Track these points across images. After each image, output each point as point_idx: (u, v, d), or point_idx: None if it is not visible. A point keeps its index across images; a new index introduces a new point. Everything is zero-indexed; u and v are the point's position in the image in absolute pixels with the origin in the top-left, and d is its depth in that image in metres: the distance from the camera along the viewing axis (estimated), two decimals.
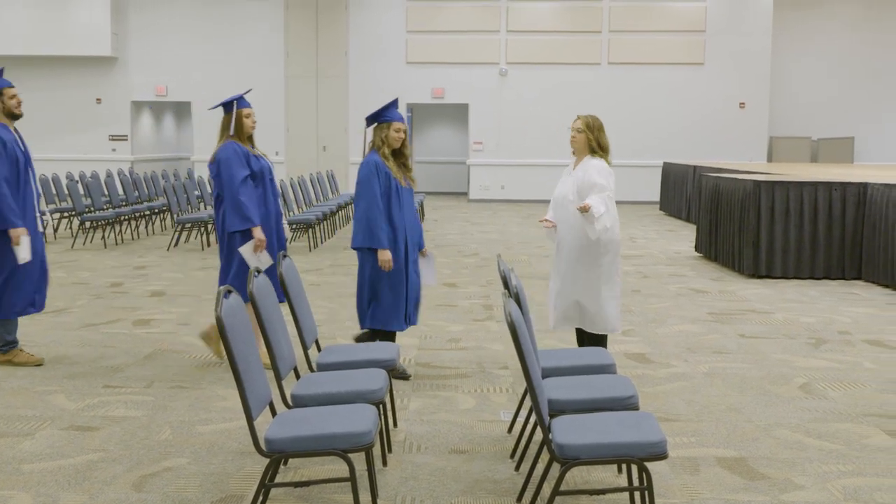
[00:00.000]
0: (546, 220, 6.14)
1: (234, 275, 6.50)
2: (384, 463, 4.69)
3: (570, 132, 6.09)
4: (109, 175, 17.61)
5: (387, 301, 6.22)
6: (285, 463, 4.62)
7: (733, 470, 4.67)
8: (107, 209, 15.18)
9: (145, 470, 4.63)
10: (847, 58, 23.90)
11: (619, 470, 4.58)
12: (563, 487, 3.95)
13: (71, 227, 15.39)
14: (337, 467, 4.56)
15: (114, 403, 5.77)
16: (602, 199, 5.81)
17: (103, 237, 14.14)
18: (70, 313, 8.66)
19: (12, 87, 6.62)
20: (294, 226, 13.81)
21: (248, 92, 6.81)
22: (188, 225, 14.03)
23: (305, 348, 4.85)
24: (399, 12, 23.33)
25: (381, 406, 4.40)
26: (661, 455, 3.63)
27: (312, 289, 9.89)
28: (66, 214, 15.33)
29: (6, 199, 6.44)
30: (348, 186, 22.87)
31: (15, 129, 6.64)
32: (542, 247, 13.85)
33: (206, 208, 16.00)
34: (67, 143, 23.77)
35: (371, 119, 6.36)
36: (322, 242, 14.41)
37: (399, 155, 6.33)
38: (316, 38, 23.40)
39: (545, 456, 4.24)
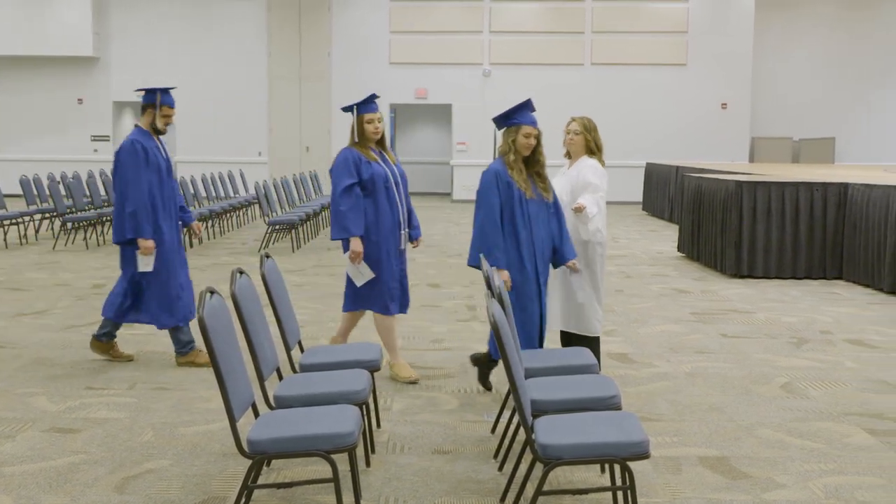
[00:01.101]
0: None
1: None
2: (367, 464, 4.69)
3: (564, 134, 6.10)
4: (91, 176, 17.50)
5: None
6: (268, 464, 4.61)
7: (715, 469, 4.68)
8: (88, 210, 15.10)
9: (127, 472, 4.61)
10: (828, 59, 24.04)
11: (602, 470, 4.59)
12: (546, 487, 3.95)
13: (52, 229, 15.31)
14: (320, 468, 4.55)
15: (96, 405, 5.75)
16: (595, 199, 5.88)
17: (85, 238, 14.07)
18: (52, 315, 8.61)
19: (171, 106, 6.76)
20: (277, 226, 13.78)
21: (373, 98, 6.29)
22: None
23: (288, 349, 4.84)
24: (382, 13, 23.32)
25: (364, 407, 4.40)
26: (643, 455, 3.64)
27: (296, 289, 9.87)
28: (47, 215, 15.24)
29: (146, 210, 6.48)
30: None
31: (157, 137, 6.75)
32: None
33: (189, 209, 15.92)
34: (49, 144, 23.65)
35: (499, 121, 5.66)
36: (305, 243, 14.38)
37: (532, 163, 5.62)
38: (299, 39, 23.35)
39: (528, 456, 4.24)
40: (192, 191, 16.42)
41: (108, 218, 14.56)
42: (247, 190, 19.86)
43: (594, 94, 22.94)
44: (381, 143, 6.31)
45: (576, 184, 5.98)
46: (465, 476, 4.59)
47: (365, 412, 4.52)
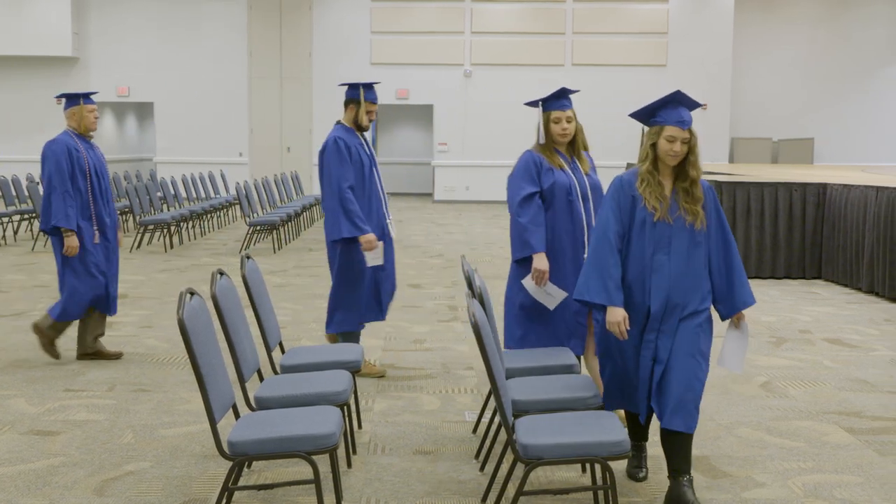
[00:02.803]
0: None
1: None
2: (349, 465, 4.69)
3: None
4: None
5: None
6: (249, 466, 4.60)
7: (696, 468, 4.70)
8: None
9: (107, 474, 4.59)
10: (807, 60, 24.20)
11: (583, 469, 4.61)
12: (527, 487, 3.96)
13: (31, 230, 15.21)
14: (301, 469, 4.54)
15: (75, 407, 5.71)
16: None
17: None
18: (30, 316, 8.55)
19: (375, 103, 6.53)
20: (258, 227, 13.74)
21: (564, 94, 5.40)
22: (151, 227, 13.91)
23: (269, 350, 4.83)
24: (363, 13, 23.30)
25: (345, 408, 4.40)
26: (623, 454, 3.66)
27: (276, 290, 9.85)
28: (25, 216, 15.14)
29: (353, 207, 6.21)
30: (312, 188, 22.80)
31: (360, 134, 6.51)
32: (506, 248, 13.87)
33: (168, 210, 15.88)
34: (27, 144, 23.44)
35: (642, 117, 4.47)
36: (286, 244, 14.35)
37: (680, 176, 4.32)
38: (279, 39, 23.30)
39: (510, 456, 4.25)
40: (171, 191, 16.36)
41: None
42: (227, 190, 19.79)
43: (575, 94, 22.93)
44: (573, 145, 5.39)
45: None
46: (446, 476, 4.59)
47: (346, 413, 4.52)
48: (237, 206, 18.37)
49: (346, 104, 6.51)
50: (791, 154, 23.90)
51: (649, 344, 4.22)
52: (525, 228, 5.13)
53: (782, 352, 7.35)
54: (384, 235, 6.45)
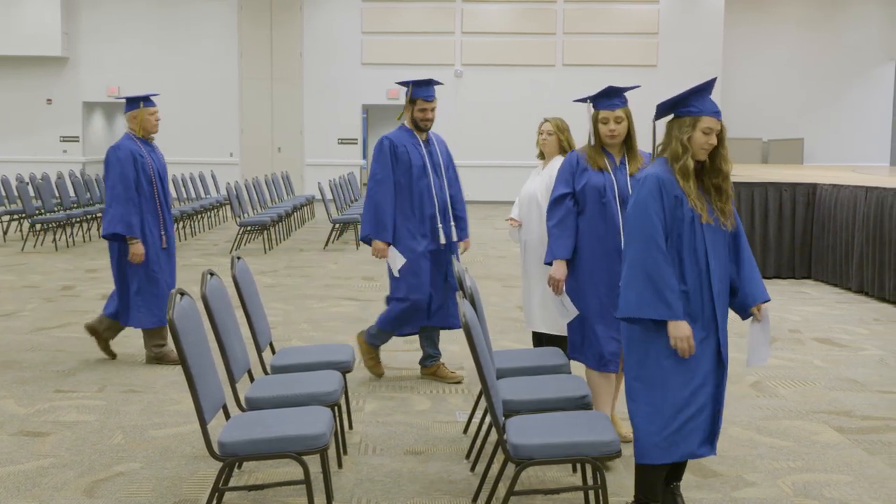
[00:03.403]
0: (511, 219, 6.10)
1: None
2: (339, 465, 4.68)
3: (538, 135, 6.14)
4: (60, 177, 17.38)
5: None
6: (239, 466, 4.59)
7: (686, 468, 4.70)
8: (58, 211, 14.96)
9: (97, 475, 4.58)
10: (797, 60, 24.27)
11: (574, 469, 4.61)
12: (518, 487, 3.96)
13: (21, 230, 15.16)
14: (292, 470, 4.54)
15: (65, 408, 5.70)
16: None
17: (54, 240, 13.95)
18: (20, 317, 8.53)
19: (428, 101, 6.13)
20: (249, 227, 13.72)
21: (614, 92, 4.90)
22: None
23: (259, 351, 4.82)
24: (354, 13, 23.29)
25: (336, 408, 4.39)
26: (614, 454, 3.66)
27: (267, 291, 9.84)
28: (15, 217, 15.09)
29: (377, 211, 6.05)
30: (303, 188, 22.78)
31: (421, 134, 6.23)
32: (497, 248, 13.90)
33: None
34: (17, 145, 23.42)
35: (667, 109, 3.98)
36: (277, 244, 14.33)
37: (711, 173, 3.95)
38: (270, 39, 23.27)
39: (500, 456, 4.25)
40: None
41: (78, 219, 14.46)
42: (218, 191, 19.76)
43: (566, 94, 22.88)
44: (628, 144, 4.93)
45: (550, 184, 6.00)
46: (437, 476, 4.59)
47: (337, 413, 4.51)
48: (228, 207, 18.34)
49: (406, 104, 6.21)
50: (781, 154, 23.97)
51: (719, 362, 3.84)
52: (550, 233, 4.87)
53: (773, 351, 7.36)
54: (432, 240, 6.17)
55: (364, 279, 10.94)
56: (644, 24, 23.35)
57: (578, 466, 4.50)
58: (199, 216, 16.39)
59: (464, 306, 3.74)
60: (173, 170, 19.61)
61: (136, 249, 6.64)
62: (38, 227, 14.17)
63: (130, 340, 7.54)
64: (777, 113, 24.31)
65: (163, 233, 6.85)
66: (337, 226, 14.56)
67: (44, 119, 23.52)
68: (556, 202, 4.84)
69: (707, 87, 3.90)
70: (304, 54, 23.31)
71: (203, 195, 18.74)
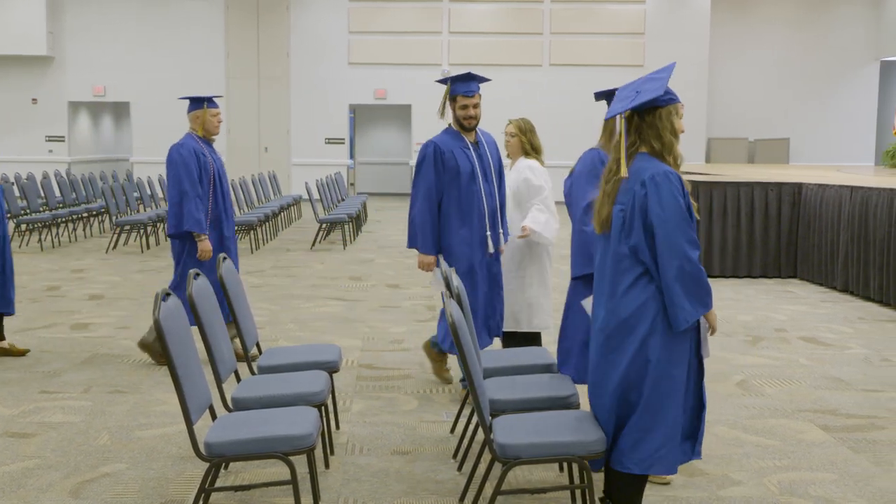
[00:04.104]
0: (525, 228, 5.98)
1: None
2: (326, 465, 4.68)
3: (503, 136, 6.24)
4: (46, 177, 17.27)
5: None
6: (226, 467, 4.58)
7: None
8: (43, 211, 14.90)
9: (83, 476, 4.56)
10: (783, 60, 24.35)
11: (561, 468, 4.62)
12: (505, 487, 3.97)
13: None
14: (278, 470, 4.53)
15: (50, 409, 5.67)
16: (539, 208, 5.90)
17: (40, 240, 13.88)
18: (6, 318, 8.47)
19: (469, 96, 5.70)
20: (236, 227, 13.67)
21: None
22: (127, 227, 13.82)
23: (246, 350, 4.81)
24: (341, 13, 23.26)
25: (322, 408, 4.39)
26: (600, 453, 3.66)
27: (254, 291, 9.82)
28: None
29: (418, 227, 5.77)
30: (290, 188, 22.74)
31: (468, 134, 5.86)
32: None
33: (144, 210, 15.79)
34: (2, 145, 23.30)
35: (649, 101, 3.66)
36: (264, 244, 14.30)
37: None
38: (257, 39, 23.22)
39: (487, 456, 4.26)
40: (148, 192, 16.27)
41: (63, 220, 14.39)
42: None
43: (553, 94, 23.04)
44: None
45: (518, 185, 6.06)
46: (424, 476, 4.60)
47: (323, 413, 4.51)
48: None
49: (445, 102, 5.84)
50: (767, 154, 24.04)
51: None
52: (592, 241, 4.32)
53: (758, 350, 7.40)
54: (483, 249, 5.82)
55: (351, 279, 10.93)
56: (631, 24, 23.39)
57: (565, 466, 4.51)
58: None
59: (450, 306, 3.74)
60: (158, 169, 19.62)
61: (205, 246, 6.60)
62: (23, 227, 14.10)
63: (116, 341, 7.52)
64: (763, 113, 24.38)
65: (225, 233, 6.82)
66: (324, 226, 14.54)
67: (29, 119, 23.40)
68: (591, 207, 4.05)
69: (670, 71, 3.77)
70: (290, 54, 23.27)
71: None
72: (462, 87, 5.71)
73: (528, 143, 6.13)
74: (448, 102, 5.80)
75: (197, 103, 6.85)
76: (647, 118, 3.70)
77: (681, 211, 3.59)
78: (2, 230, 6.92)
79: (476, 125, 5.85)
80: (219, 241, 6.82)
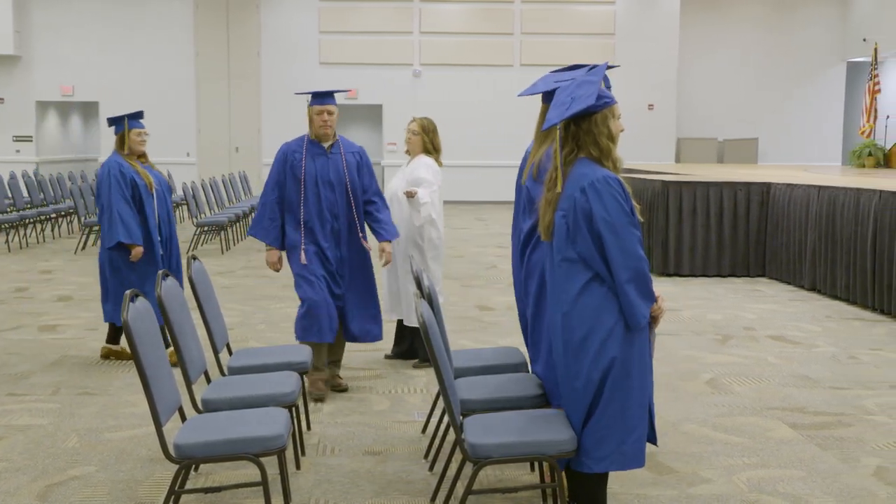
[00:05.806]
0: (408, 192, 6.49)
1: None
2: (297, 466, 4.67)
3: (405, 133, 6.63)
4: (13, 177, 17.10)
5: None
6: (196, 469, 4.56)
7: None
8: (10, 212, 14.75)
9: (51, 479, 4.52)
10: (751, 60, 24.53)
11: (532, 468, 4.63)
12: (476, 486, 3.97)
13: None
14: (249, 472, 4.51)
15: (18, 412, 5.62)
16: (428, 192, 6.42)
17: (7, 241, 13.74)
18: None
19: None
20: (206, 228, 13.61)
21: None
22: (96, 228, 13.70)
23: (216, 351, 4.79)
24: (311, 13, 23.18)
25: (293, 409, 4.38)
26: (571, 452, 3.68)
27: (224, 291, 9.77)
28: None
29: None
30: (260, 188, 22.62)
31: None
32: (454, 247, 13.91)
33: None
34: None
35: (598, 102, 3.71)
36: (234, 245, 14.24)
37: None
38: (227, 38, 23.09)
39: (458, 456, 4.27)
40: None
41: (31, 220, 14.25)
42: (175, 191, 19.56)
43: (524, 95, 23.05)
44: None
45: (411, 179, 6.58)
46: (395, 477, 4.59)
47: (294, 414, 4.50)
48: (185, 207, 18.18)
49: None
50: (736, 154, 24.23)
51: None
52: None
53: (727, 349, 7.45)
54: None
55: None
56: (601, 24, 23.49)
57: (536, 465, 4.52)
58: None
59: (421, 306, 3.74)
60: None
61: (270, 257, 6.51)
62: None
63: (85, 343, 7.46)
64: (732, 113, 24.56)
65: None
66: None
67: None
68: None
69: (601, 73, 3.76)
70: (261, 54, 23.17)
71: None
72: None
73: (429, 142, 6.66)
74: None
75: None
76: (583, 125, 3.71)
77: (626, 214, 3.61)
78: None
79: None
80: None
